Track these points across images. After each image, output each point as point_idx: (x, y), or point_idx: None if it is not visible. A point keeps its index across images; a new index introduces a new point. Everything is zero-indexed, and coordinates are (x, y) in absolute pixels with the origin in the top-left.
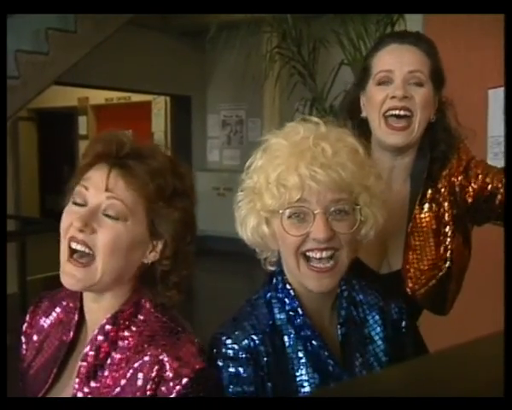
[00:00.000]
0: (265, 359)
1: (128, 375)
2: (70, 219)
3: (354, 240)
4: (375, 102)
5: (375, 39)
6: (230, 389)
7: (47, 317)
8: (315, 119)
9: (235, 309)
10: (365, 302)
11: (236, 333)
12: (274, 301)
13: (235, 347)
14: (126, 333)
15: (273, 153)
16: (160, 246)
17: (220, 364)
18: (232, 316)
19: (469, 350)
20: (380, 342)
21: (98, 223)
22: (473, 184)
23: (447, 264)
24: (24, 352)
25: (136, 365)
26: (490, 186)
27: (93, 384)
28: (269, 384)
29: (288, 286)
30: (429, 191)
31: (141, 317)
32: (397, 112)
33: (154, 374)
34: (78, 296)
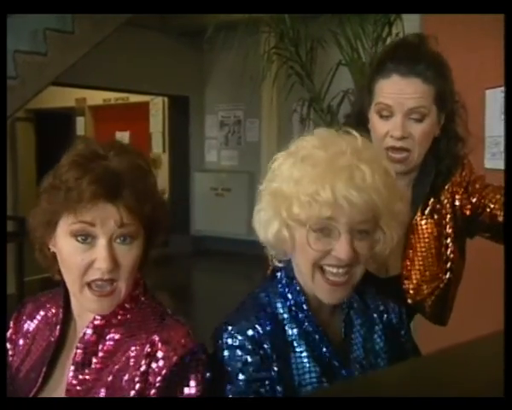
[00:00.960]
0: (269, 348)
1: (121, 360)
2: (84, 258)
3: (369, 257)
4: (377, 134)
5: (373, 40)
6: (241, 377)
7: (32, 320)
8: (351, 131)
9: (233, 309)
10: (365, 302)
11: (241, 323)
12: (277, 295)
13: (240, 336)
14: (118, 321)
15: (309, 163)
16: (147, 241)
17: (226, 353)
18: (237, 307)
19: (469, 350)
20: (379, 341)
21: (116, 253)
22: (472, 198)
23: (448, 275)
24: (10, 358)
25: (128, 350)
26: (484, 200)
27: (86, 372)
28: (275, 373)
29: (294, 281)
30: (431, 203)
31: (132, 304)
32: (395, 150)
33: (145, 353)
34: (61, 297)
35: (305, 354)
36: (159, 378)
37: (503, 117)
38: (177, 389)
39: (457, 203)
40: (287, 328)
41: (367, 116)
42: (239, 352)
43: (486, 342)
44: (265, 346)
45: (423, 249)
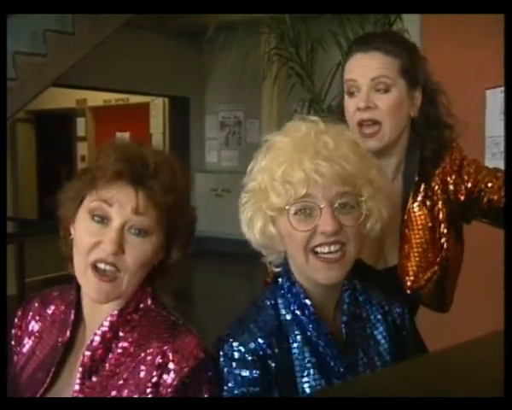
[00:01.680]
0: (272, 362)
1: (130, 368)
2: (95, 238)
3: (360, 234)
4: (348, 113)
5: None
6: (237, 391)
7: (39, 318)
8: (314, 117)
9: (233, 310)
10: (368, 302)
11: (243, 336)
12: (280, 301)
13: (242, 349)
14: (128, 328)
15: (276, 151)
16: (165, 251)
17: (227, 366)
18: (238, 318)
19: (469, 350)
20: (383, 341)
21: (126, 242)
22: (466, 183)
23: (444, 261)
24: (15, 356)
25: (138, 358)
26: (480, 185)
27: (94, 379)
28: (275, 387)
29: (296, 284)
30: (422, 190)
31: (142, 312)
32: (364, 123)
33: (156, 364)
34: (72, 296)
35: (309, 360)
36: (170, 390)
37: (502, 117)
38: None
39: (451, 188)
40: (290, 335)
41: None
42: (239, 366)
43: (486, 342)
44: (268, 358)
45: (417, 237)
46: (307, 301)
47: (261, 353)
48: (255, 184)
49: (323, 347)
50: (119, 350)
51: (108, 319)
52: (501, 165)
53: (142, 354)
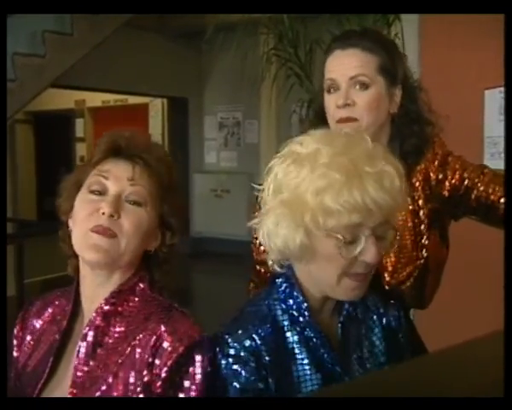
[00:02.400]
0: (267, 359)
1: (127, 351)
2: (92, 206)
3: None
4: (328, 110)
5: None
6: (232, 387)
7: (39, 317)
8: (364, 135)
9: (232, 311)
10: (364, 304)
11: (238, 332)
12: (276, 302)
13: (237, 346)
14: (124, 312)
15: (333, 169)
16: (160, 235)
17: (222, 362)
18: (234, 317)
19: (469, 350)
20: (378, 343)
21: (123, 209)
22: (450, 179)
23: (423, 260)
24: (16, 354)
25: (134, 341)
26: (467, 181)
27: (92, 363)
28: (271, 384)
29: (295, 287)
30: None
31: (137, 297)
32: (343, 120)
33: (151, 345)
34: (71, 293)
35: (306, 360)
36: (165, 369)
37: (501, 117)
38: (182, 381)
39: (434, 184)
40: (287, 335)
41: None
42: (234, 362)
43: (486, 342)
44: (263, 356)
45: (398, 235)
46: (305, 305)
47: (256, 350)
48: (297, 198)
49: (320, 347)
50: (116, 335)
51: (101, 303)
52: (500, 165)
53: (138, 337)
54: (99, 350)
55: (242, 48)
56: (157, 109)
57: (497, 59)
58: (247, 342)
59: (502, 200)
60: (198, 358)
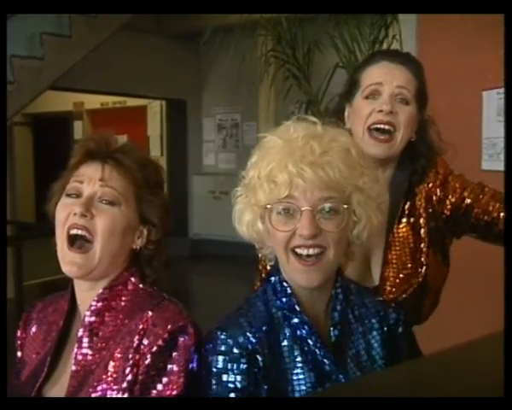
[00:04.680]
0: (261, 357)
1: (120, 341)
2: (68, 209)
3: (344, 240)
4: (362, 114)
5: (370, 42)
6: (224, 384)
7: (41, 320)
8: (313, 119)
9: (227, 314)
10: (362, 305)
11: (232, 329)
12: (271, 299)
13: (230, 342)
14: (117, 307)
15: (266, 150)
16: (145, 232)
17: (214, 358)
18: (230, 314)
19: (469, 351)
20: (376, 345)
21: (96, 209)
22: (450, 198)
23: (421, 278)
24: (20, 355)
25: (126, 331)
26: (467, 200)
27: (89, 358)
28: (264, 384)
29: (284, 284)
30: (407, 205)
31: (129, 291)
32: (381, 126)
33: (139, 328)
34: (68, 293)
35: (299, 358)
36: (149, 355)
37: (499, 118)
38: (165, 365)
39: (435, 203)
40: (280, 332)
41: (343, 117)
42: (226, 359)
43: (486, 342)
44: (256, 354)
45: (398, 250)
46: (295, 300)
47: (249, 347)
48: (246, 180)
49: (313, 345)
50: (110, 328)
51: (98, 293)
52: (498, 166)
53: (129, 327)
54: (94, 345)
55: (240, 50)
56: (155, 111)
57: (494, 60)
58: (241, 339)
59: (501, 215)
60: (182, 343)
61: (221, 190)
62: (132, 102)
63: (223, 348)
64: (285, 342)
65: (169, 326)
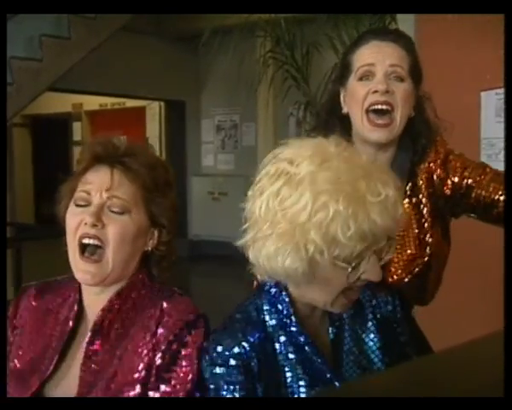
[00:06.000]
0: (256, 366)
1: (131, 333)
2: (78, 218)
3: None
4: (357, 97)
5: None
6: (220, 390)
7: (32, 307)
8: (353, 150)
9: (230, 313)
10: (357, 301)
11: (227, 341)
12: (266, 307)
13: (226, 353)
14: (126, 307)
15: (331, 196)
16: (156, 233)
17: (211, 371)
18: (223, 322)
19: (469, 351)
20: (372, 336)
21: (106, 218)
22: (451, 177)
23: (426, 258)
24: (11, 339)
25: (139, 322)
26: (468, 180)
27: (99, 358)
28: (259, 391)
29: (283, 293)
30: (409, 185)
31: (139, 290)
32: (379, 106)
33: (155, 319)
34: (74, 288)
35: (294, 366)
36: (165, 343)
37: (498, 119)
38: (178, 353)
39: (436, 182)
40: (276, 341)
41: (339, 102)
42: (223, 372)
43: (486, 342)
44: (252, 364)
45: (401, 231)
46: (291, 310)
47: (245, 357)
48: (291, 226)
49: (309, 352)
50: (120, 326)
51: (109, 298)
52: (496, 166)
53: (141, 318)
54: (105, 346)
55: (239, 51)
56: (154, 112)
57: (492, 61)
58: (236, 350)
59: (502, 198)
60: (195, 333)
61: (220, 191)
62: (131, 103)
63: (219, 360)
64: (280, 350)
65: (184, 317)
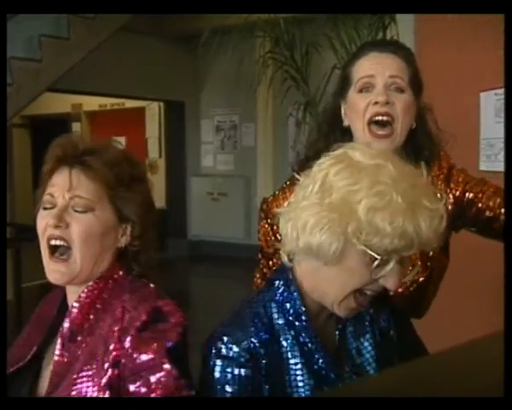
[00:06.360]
0: (264, 361)
1: (99, 329)
2: (45, 221)
3: None
4: (358, 109)
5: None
6: (229, 389)
7: (35, 316)
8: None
9: (228, 318)
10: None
11: (237, 334)
12: (274, 305)
13: (235, 348)
14: (98, 301)
15: (392, 187)
16: (129, 229)
17: (217, 363)
18: (232, 316)
19: (469, 351)
20: (370, 348)
21: (70, 218)
22: (454, 192)
23: (428, 273)
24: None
25: (106, 317)
26: (469, 194)
27: (72, 347)
28: (266, 387)
29: (292, 289)
30: None
31: (112, 286)
32: (380, 118)
33: (119, 316)
34: (62, 289)
35: (299, 365)
36: (128, 338)
37: (497, 119)
38: (145, 349)
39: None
40: (282, 338)
41: (340, 115)
42: (232, 364)
43: (486, 342)
44: (261, 360)
45: None
46: (303, 309)
47: (254, 352)
48: (342, 200)
49: (315, 352)
50: (91, 321)
51: (80, 292)
52: (495, 167)
53: (109, 313)
54: (78, 336)
55: (239, 51)
56: (154, 113)
57: (492, 61)
58: (246, 344)
59: (502, 214)
60: (161, 324)
61: (219, 192)
62: (130, 103)
63: (229, 353)
64: (285, 348)
65: (146, 307)
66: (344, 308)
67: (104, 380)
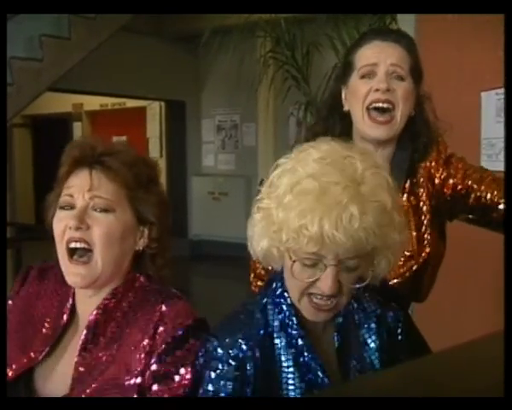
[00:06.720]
0: (252, 368)
1: (126, 335)
2: (63, 223)
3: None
4: (359, 94)
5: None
6: (211, 388)
7: (32, 286)
8: (356, 154)
9: (223, 320)
10: (362, 310)
11: (227, 340)
12: (270, 306)
13: (221, 351)
14: (123, 308)
15: (301, 194)
16: (146, 231)
17: (207, 366)
18: (225, 320)
19: (469, 351)
20: (374, 350)
21: (91, 219)
22: (453, 177)
23: (424, 255)
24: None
25: (135, 324)
26: (468, 181)
27: (94, 350)
28: (251, 388)
29: (285, 294)
30: (408, 183)
31: (135, 292)
32: (380, 104)
33: (153, 322)
34: (71, 297)
35: (291, 368)
36: (162, 347)
37: (498, 119)
38: (176, 357)
39: (437, 182)
40: (275, 340)
41: (341, 100)
42: (217, 366)
43: (486, 342)
44: (248, 365)
45: None
46: (293, 312)
47: (241, 355)
48: (271, 209)
49: (307, 356)
50: (115, 326)
51: (101, 301)
52: (496, 166)
53: (138, 320)
54: (101, 339)
55: (239, 51)
56: (155, 113)
57: (492, 61)
58: (234, 351)
59: (501, 203)
60: (193, 338)
61: (220, 191)
62: (131, 103)
63: (216, 357)
64: (279, 351)
65: (184, 322)
66: (306, 310)
67: (129, 388)
